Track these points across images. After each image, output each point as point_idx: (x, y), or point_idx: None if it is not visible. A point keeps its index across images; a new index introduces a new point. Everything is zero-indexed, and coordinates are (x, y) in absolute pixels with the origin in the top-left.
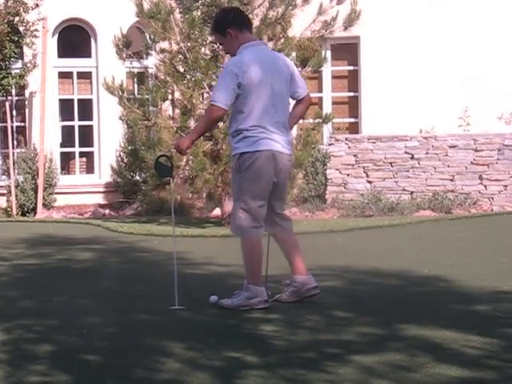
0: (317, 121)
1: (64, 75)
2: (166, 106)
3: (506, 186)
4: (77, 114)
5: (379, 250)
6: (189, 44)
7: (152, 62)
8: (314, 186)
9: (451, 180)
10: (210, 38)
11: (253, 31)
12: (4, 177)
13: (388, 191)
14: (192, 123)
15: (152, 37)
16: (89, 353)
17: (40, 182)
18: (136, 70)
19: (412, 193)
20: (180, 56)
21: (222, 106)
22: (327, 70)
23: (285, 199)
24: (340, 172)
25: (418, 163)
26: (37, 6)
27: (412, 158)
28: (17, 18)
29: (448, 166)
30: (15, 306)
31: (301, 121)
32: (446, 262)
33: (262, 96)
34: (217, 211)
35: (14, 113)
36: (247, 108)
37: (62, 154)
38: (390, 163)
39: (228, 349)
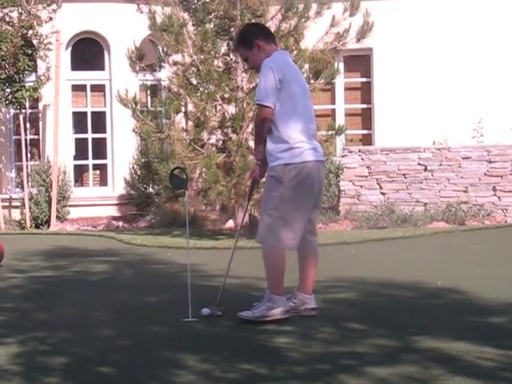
0: (330, 133)
1: (77, 88)
2: (179, 118)
3: None
4: (90, 126)
5: (393, 261)
6: (202, 56)
7: (165, 74)
8: (327, 197)
9: (465, 191)
10: (222, 51)
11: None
12: (18, 189)
13: (401, 203)
14: (205, 135)
15: (165, 49)
16: (103, 365)
17: (54, 194)
18: (149, 83)
19: (425, 204)
20: (193, 68)
21: (270, 104)
22: (340, 82)
23: (320, 209)
24: (353, 184)
25: (432, 175)
26: (50, 19)
27: (425, 169)
28: (30, 32)
29: (461, 178)
30: (29, 318)
31: None
32: (459, 273)
33: (303, 101)
34: (230, 223)
35: (28, 125)
36: (290, 114)
37: (76, 166)
38: (404, 175)
39: (242, 361)
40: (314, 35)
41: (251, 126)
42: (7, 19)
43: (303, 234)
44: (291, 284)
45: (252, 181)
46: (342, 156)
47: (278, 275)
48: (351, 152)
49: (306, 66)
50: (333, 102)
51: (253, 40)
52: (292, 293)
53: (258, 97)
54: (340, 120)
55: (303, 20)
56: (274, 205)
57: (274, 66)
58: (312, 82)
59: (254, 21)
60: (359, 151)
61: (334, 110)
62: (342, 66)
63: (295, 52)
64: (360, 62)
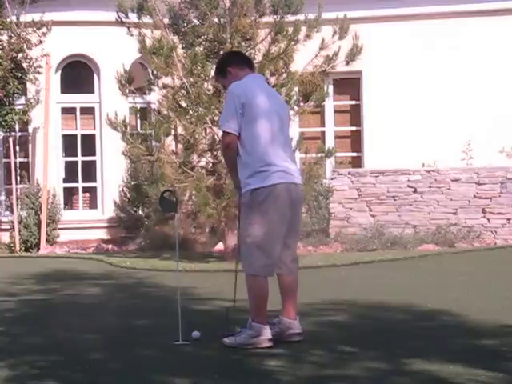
0: (319, 155)
1: (67, 111)
2: (169, 141)
3: (509, 219)
4: (80, 149)
5: (383, 284)
6: (191, 79)
7: (155, 97)
8: (317, 220)
9: (454, 213)
10: (212, 73)
11: (255, 69)
12: (7, 212)
13: (391, 225)
14: (195, 158)
15: (155, 72)
16: None
17: (43, 217)
18: (139, 106)
19: (415, 226)
20: (183, 91)
21: (231, 130)
22: (329, 105)
23: (299, 233)
24: (343, 206)
25: (421, 197)
26: (40, 42)
27: (415, 191)
28: (20, 55)
29: (451, 200)
30: (20, 341)
31: (303, 155)
32: (449, 295)
33: (271, 123)
34: (220, 246)
35: (18, 148)
36: (255, 137)
37: (66, 189)
38: (393, 197)
39: None
40: (304, 58)
41: None
42: None
43: (284, 259)
44: (275, 307)
45: (238, 211)
46: (332, 178)
47: (260, 304)
48: (341, 174)
49: (296, 89)
50: (322, 124)
51: (226, 67)
52: (276, 318)
53: (220, 123)
54: (330, 142)
55: (292, 43)
56: (247, 231)
57: (237, 89)
58: (301, 104)
59: (243, 44)
60: (349, 173)
61: (323, 133)
62: (331, 88)
63: (285, 75)
64: (349, 85)
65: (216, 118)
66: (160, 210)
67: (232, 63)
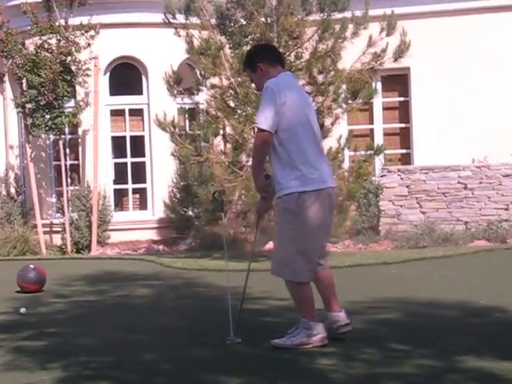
0: (368, 153)
1: (116, 113)
2: (218, 141)
3: None
4: (129, 150)
5: (434, 281)
6: (239, 79)
7: (203, 97)
8: (367, 217)
9: (505, 209)
10: None
11: (285, 65)
12: (58, 214)
13: (442, 222)
14: (244, 157)
15: (202, 73)
16: None
17: (94, 218)
18: (187, 106)
19: (466, 223)
20: (230, 91)
21: (269, 128)
22: (378, 102)
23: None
24: (393, 203)
25: (472, 193)
26: (89, 45)
27: (465, 187)
28: (69, 58)
29: (502, 195)
30: (72, 342)
31: (352, 153)
32: (501, 292)
33: (308, 123)
34: (270, 245)
35: (68, 151)
36: (298, 137)
37: (116, 190)
38: (443, 193)
39: (285, 382)
40: (351, 55)
41: None
42: (46, 46)
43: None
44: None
45: (257, 216)
46: (381, 176)
47: (308, 304)
48: (390, 172)
49: (344, 87)
50: (371, 121)
51: (256, 63)
52: (323, 317)
53: (257, 120)
54: (379, 140)
55: (340, 41)
56: (289, 237)
57: (277, 88)
58: (350, 102)
59: (290, 42)
60: (398, 171)
61: (372, 130)
62: (379, 85)
63: (332, 73)
64: (397, 82)
65: None
66: (209, 210)
67: (263, 59)
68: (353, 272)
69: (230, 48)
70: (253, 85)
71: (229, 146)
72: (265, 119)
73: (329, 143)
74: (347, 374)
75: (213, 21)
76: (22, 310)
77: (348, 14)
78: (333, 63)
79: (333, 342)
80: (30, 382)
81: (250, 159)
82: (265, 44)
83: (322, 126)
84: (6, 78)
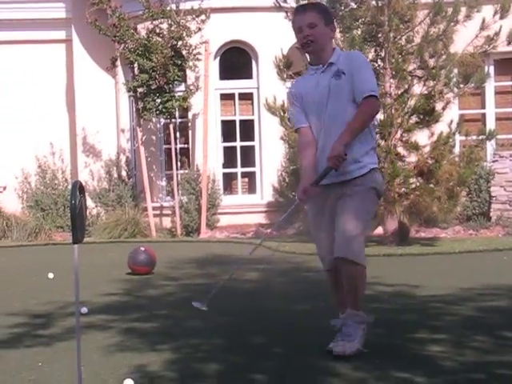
0: (480, 137)
1: (226, 97)
2: None
3: None
4: (238, 134)
5: None
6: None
7: None
8: (477, 203)
9: None
10: (370, 57)
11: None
12: (168, 198)
13: None
14: None
15: None
16: (255, 372)
17: (203, 202)
18: None
19: None
20: None
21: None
22: (490, 86)
23: None
24: (505, 189)
25: None
26: (199, 29)
27: None
28: (180, 42)
29: None
30: (182, 325)
31: (463, 137)
32: None
33: None
34: (379, 230)
35: (178, 135)
36: None
37: (225, 174)
38: None
39: (395, 369)
40: (464, 39)
41: (400, 132)
42: (157, 31)
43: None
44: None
45: (296, 204)
46: (493, 161)
47: (363, 292)
48: (502, 157)
49: (455, 71)
50: (483, 106)
51: (332, 21)
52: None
53: (372, 88)
54: (491, 124)
55: (452, 24)
56: (368, 221)
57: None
58: (461, 86)
59: (401, 26)
60: (510, 156)
61: (484, 115)
62: (492, 69)
63: (444, 56)
64: (511, 66)
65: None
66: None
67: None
68: (463, 258)
69: (340, 32)
70: None
71: None
72: (376, 88)
73: (440, 128)
74: (458, 362)
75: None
76: (84, 310)
77: None
78: (444, 47)
79: (443, 329)
80: (142, 363)
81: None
82: None
83: (433, 110)
84: (118, 63)
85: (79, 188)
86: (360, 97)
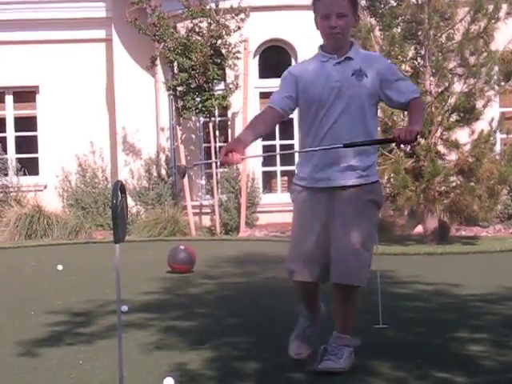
0: None
1: (265, 95)
2: None
3: None
4: (278, 133)
5: None
6: (389, 61)
7: None
8: None
9: None
10: (410, 55)
11: None
12: (208, 196)
13: None
14: None
15: None
16: (296, 371)
17: (243, 200)
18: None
19: None
20: None
21: None
22: None
23: None
24: None
25: None
26: (239, 28)
27: None
28: (219, 41)
29: None
30: (222, 323)
31: (504, 135)
32: None
33: None
34: (419, 228)
35: (217, 133)
36: None
37: (264, 173)
38: None
39: (436, 369)
40: (505, 36)
41: (440, 130)
42: (197, 29)
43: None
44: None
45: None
46: None
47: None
48: None
49: (496, 68)
50: None
51: (358, 11)
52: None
53: (415, 88)
54: None
55: (493, 21)
56: (373, 236)
57: None
58: (502, 83)
59: (441, 24)
60: None
61: None
62: None
63: (485, 54)
64: None
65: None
66: None
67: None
68: (504, 257)
69: (380, 30)
70: (403, 66)
71: (378, 128)
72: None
73: (480, 126)
74: (499, 362)
75: (363, 2)
76: (124, 308)
77: None
78: (485, 44)
79: (484, 329)
80: (181, 361)
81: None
82: None
83: (473, 108)
84: (158, 62)
85: (120, 188)
86: (410, 96)
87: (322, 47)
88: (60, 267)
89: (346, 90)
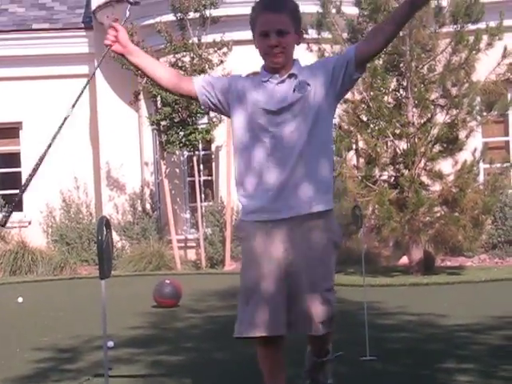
0: (504, 165)
1: None
2: (351, 155)
3: None
4: None
5: None
6: (371, 93)
7: (336, 112)
8: (503, 231)
9: None
10: (392, 86)
11: None
12: (193, 230)
13: None
14: (377, 172)
15: None
16: None
17: (228, 234)
18: None
19: None
20: (363, 105)
21: None
22: None
23: None
24: None
25: None
26: (221, 62)
27: None
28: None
29: None
30: (208, 358)
31: (487, 165)
32: None
33: None
34: (404, 259)
35: (201, 167)
36: None
37: None
38: None
39: None
40: (486, 67)
41: (423, 161)
42: (180, 64)
43: None
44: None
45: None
46: None
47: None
48: None
49: (478, 99)
50: (506, 133)
51: (301, 27)
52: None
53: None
54: None
55: (474, 52)
56: (333, 277)
57: None
58: (485, 114)
59: (423, 55)
60: None
61: (507, 142)
62: None
63: (466, 85)
64: None
65: (397, 132)
66: (343, 225)
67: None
68: (490, 287)
69: None
70: (386, 98)
71: (362, 160)
72: None
73: (463, 156)
74: None
75: (344, 35)
76: (110, 344)
77: (482, 25)
78: (467, 75)
79: (471, 359)
80: None
81: (383, 173)
82: None
83: (456, 138)
84: (141, 96)
85: (105, 224)
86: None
87: (264, 67)
88: (20, 299)
89: (293, 108)
